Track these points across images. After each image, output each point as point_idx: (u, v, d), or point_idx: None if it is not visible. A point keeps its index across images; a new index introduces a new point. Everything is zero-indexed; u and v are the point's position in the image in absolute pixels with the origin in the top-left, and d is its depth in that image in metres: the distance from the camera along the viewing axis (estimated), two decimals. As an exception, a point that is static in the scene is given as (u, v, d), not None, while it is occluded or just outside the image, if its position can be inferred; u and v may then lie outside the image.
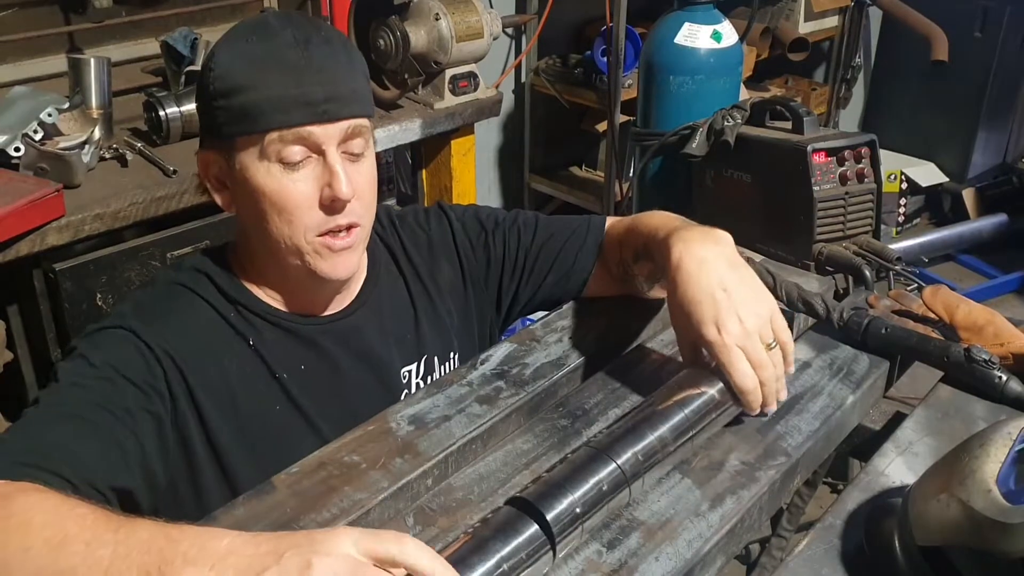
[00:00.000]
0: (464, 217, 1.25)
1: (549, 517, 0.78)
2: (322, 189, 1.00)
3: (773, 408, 0.98)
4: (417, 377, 1.18)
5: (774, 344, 0.96)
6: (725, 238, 1.04)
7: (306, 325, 1.10)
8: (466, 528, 0.81)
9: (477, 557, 0.74)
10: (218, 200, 1.07)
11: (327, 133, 0.99)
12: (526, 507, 0.79)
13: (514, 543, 0.76)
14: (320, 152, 1.00)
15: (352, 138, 1.02)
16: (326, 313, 1.12)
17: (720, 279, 0.97)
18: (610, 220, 1.25)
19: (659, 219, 1.13)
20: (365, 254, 1.14)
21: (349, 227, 1.03)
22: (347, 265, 1.06)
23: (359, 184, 1.03)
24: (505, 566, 0.74)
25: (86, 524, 0.73)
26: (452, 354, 1.21)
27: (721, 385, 0.95)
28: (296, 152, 0.99)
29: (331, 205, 1.01)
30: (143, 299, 1.06)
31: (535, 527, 0.77)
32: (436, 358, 1.19)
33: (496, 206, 3.47)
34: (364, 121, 1.03)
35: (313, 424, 1.07)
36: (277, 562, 0.66)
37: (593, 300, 1.23)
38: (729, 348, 0.94)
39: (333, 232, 1.03)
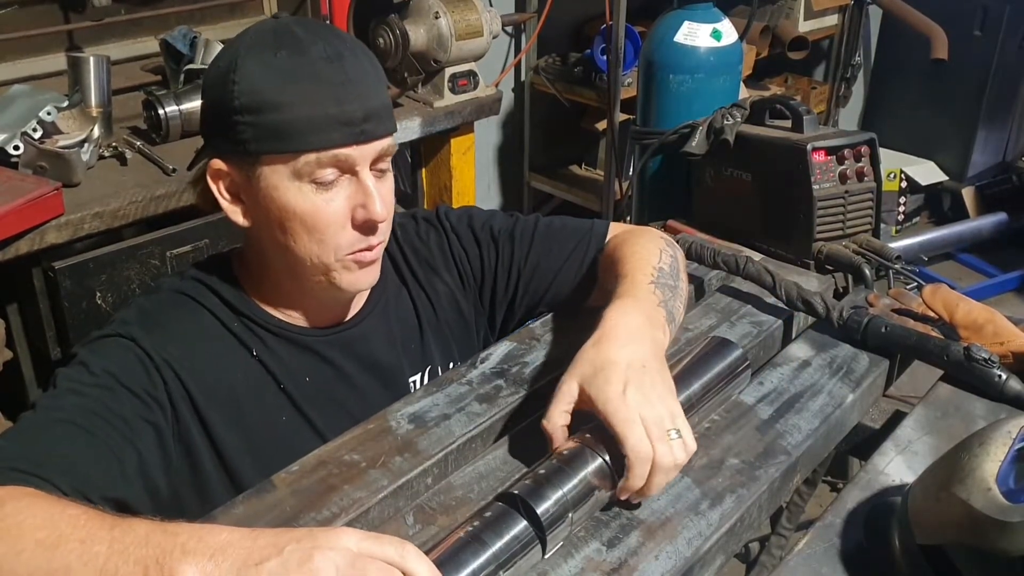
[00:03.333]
0: (459, 227, 1.22)
1: (539, 511, 0.78)
2: (354, 209, 0.98)
3: (642, 498, 0.88)
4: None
5: (676, 435, 0.87)
6: (665, 347, 0.98)
7: (312, 336, 1.09)
8: (456, 525, 0.81)
9: (470, 554, 0.74)
10: (229, 213, 1.03)
11: (363, 154, 0.97)
12: (514, 502, 0.79)
13: (505, 538, 0.76)
14: (353, 172, 0.98)
15: (384, 157, 1.01)
16: (332, 323, 1.11)
17: (642, 357, 0.91)
18: (611, 231, 1.23)
19: (636, 261, 1.09)
20: None
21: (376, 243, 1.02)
22: (371, 277, 1.05)
23: (388, 202, 1.01)
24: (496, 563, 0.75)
25: (79, 524, 0.72)
26: (454, 364, 1.20)
27: (601, 461, 0.86)
28: (329, 173, 0.96)
29: (365, 225, 0.99)
30: (145, 307, 1.04)
31: (524, 523, 0.78)
32: (440, 368, 1.18)
33: (496, 205, 3.49)
34: (393, 138, 1.02)
35: (321, 434, 1.06)
36: (278, 554, 0.66)
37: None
38: (630, 412, 0.85)
39: (361, 249, 1.01)
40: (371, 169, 1.00)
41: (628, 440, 0.84)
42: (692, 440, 0.88)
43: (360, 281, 1.04)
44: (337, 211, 0.98)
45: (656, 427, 0.85)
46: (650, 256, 1.10)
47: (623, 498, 0.86)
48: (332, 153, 0.96)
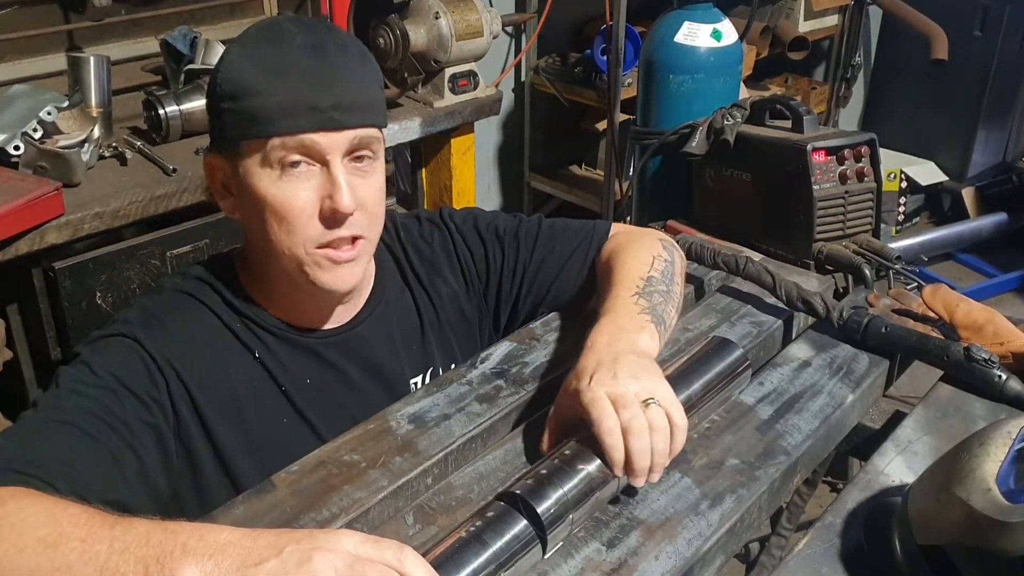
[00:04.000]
0: (464, 228, 1.22)
1: (539, 510, 0.79)
2: (323, 200, 0.98)
3: (641, 479, 0.86)
4: None
5: (652, 401, 0.87)
6: (650, 349, 0.98)
7: (312, 338, 1.09)
8: (456, 524, 0.81)
9: (470, 553, 0.75)
10: (222, 206, 1.05)
11: (332, 142, 0.97)
12: (515, 501, 0.80)
13: (505, 538, 0.77)
14: (324, 162, 0.98)
15: (359, 149, 0.99)
16: (333, 325, 1.11)
17: (616, 354, 0.92)
18: (612, 231, 1.23)
19: (625, 271, 1.10)
20: (372, 263, 1.12)
21: (354, 240, 1.01)
22: (349, 278, 1.03)
23: (363, 196, 1.00)
24: (496, 563, 0.75)
25: (80, 522, 0.73)
26: (455, 366, 1.20)
27: (601, 461, 0.86)
28: (297, 159, 0.96)
29: (331, 217, 0.98)
30: (148, 306, 1.04)
31: (524, 522, 0.78)
32: (441, 370, 1.18)
33: (496, 205, 3.48)
34: (373, 131, 1.00)
35: (321, 436, 1.05)
36: (278, 555, 0.67)
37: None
38: (594, 392, 0.87)
39: (335, 244, 1.00)
40: (348, 162, 0.99)
41: (592, 418, 0.85)
42: (681, 416, 0.88)
43: (338, 280, 1.02)
44: (305, 201, 0.97)
45: (622, 398, 0.86)
46: (639, 267, 1.11)
47: (636, 483, 0.86)
48: (298, 138, 0.95)
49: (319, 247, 0.99)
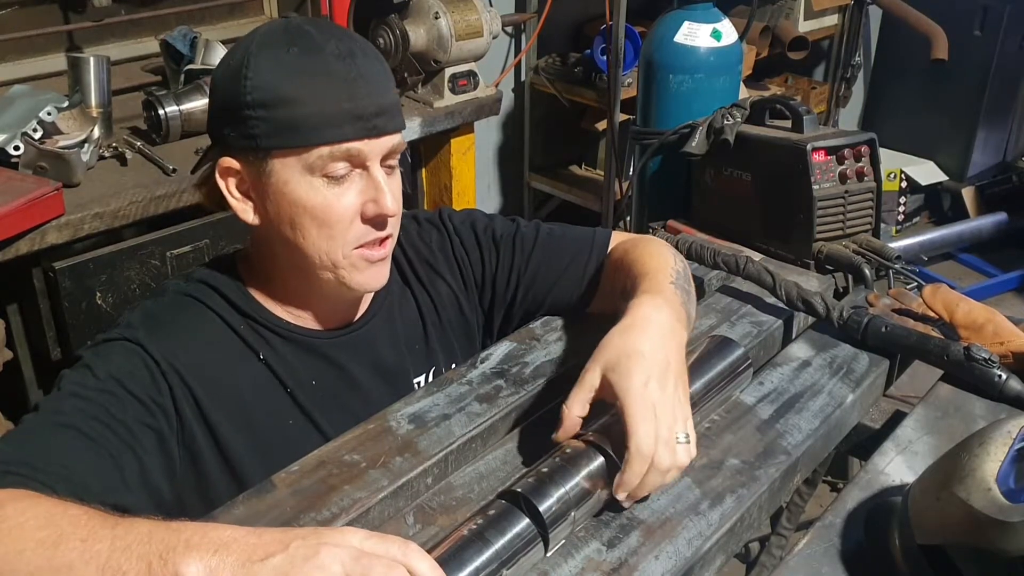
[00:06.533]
0: (461, 229, 1.22)
1: (541, 508, 0.79)
2: (365, 204, 0.99)
3: (628, 495, 0.86)
4: None
5: (684, 439, 0.87)
6: (683, 342, 0.97)
7: (319, 338, 1.09)
8: (457, 523, 0.81)
9: (473, 552, 0.75)
10: (238, 211, 1.03)
11: (374, 149, 0.98)
12: (516, 499, 0.80)
13: (507, 536, 0.77)
14: (364, 167, 0.99)
15: (394, 153, 1.01)
16: (339, 325, 1.11)
17: (668, 354, 0.91)
18: (614, 239, 1.22)
19: (654, 262, 1.10)
20: None
21: (384, 238, 1.03)
22: (381, 276, 1.05)
23: (398, 197, 1.02)
24: (498, 561, 0.75)
25: (80, 523, 0.73)
26: (456, 365, 1.20)
27: (603, 461, 0.87)
28: (341, 168, 0.97)
29: (375, 219, 1.00)
30: (152, 310, 1.04)
31: (526, 520, 0.78)
32: (444, 369, 1.18)
33: (496, 206, 3.47)
34: (402, 136, 1.03)
35: (327, 437, 1.05)
36: (284, 550, 0.67)
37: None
38: (644, 406, 0.86)
39: (370, 244, 1.02)
40: (381, 165, 1.00)
41: (635, 435, 0.84)
42: (694, 446, 0.89)
43: (370, 281, 1.04)
44: (348, 206, 0.99)
45: (666, 428, 0.86)
46: (666, 260, 1.11)
47: (619, 496, 0.85)
48: (344, 147, 0.96)
49: (356, 248, 1.01)
